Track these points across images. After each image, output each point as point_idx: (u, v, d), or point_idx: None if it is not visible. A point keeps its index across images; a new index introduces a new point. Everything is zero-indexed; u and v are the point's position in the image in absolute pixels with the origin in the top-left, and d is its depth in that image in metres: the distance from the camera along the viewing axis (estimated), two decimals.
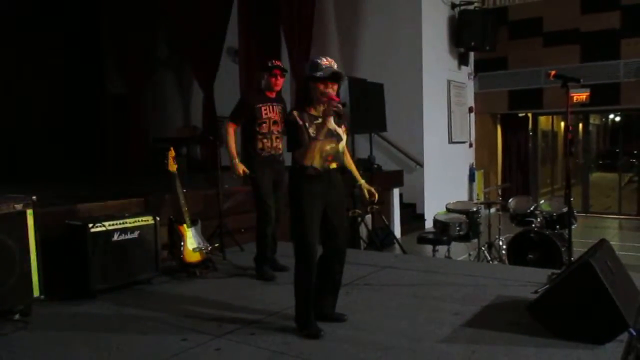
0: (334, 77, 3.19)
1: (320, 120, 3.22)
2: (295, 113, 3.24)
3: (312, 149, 3.16)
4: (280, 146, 4.66)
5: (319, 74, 3.18)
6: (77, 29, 10.62)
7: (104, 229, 4.19)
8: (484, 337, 3.18)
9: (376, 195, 3.66)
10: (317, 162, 3.22)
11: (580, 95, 9.71)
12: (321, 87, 3.19)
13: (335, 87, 3.22)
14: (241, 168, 4.57)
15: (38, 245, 3.71)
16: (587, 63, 9.94)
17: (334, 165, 3.30)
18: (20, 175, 8.66)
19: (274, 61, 4.66)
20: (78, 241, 4.11)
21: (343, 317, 3.48)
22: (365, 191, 3.63)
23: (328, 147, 3.24)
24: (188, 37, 10.65)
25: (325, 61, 3.22)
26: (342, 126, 3.37)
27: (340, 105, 3.16)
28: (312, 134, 3.18)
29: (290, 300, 3.77)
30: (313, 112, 3.26)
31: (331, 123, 3.26)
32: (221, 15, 10.40)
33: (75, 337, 3.37)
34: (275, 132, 4.59)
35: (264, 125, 4.54)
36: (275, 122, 4.58)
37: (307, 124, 3.20)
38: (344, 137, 3.38)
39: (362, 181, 3.65)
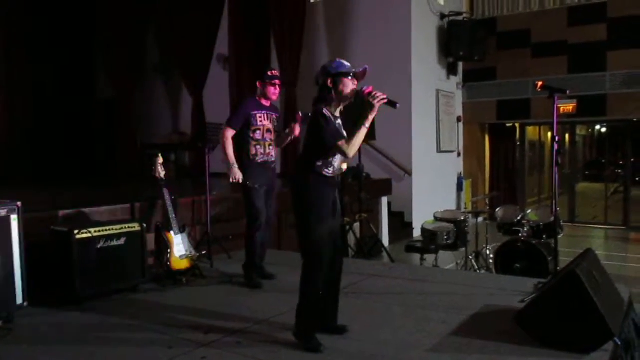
0: (364, 73, 3.21)
1: (338, 120, 3.21)
2: (325, 109, 3.17)
3: (360, 140, 3.11)
4: (273, 153, 4.68)
5: (347, 70, 3.17)
6: (68, 34, 10.58)
7: (89, 235, 4.15)
8: (471, 346, 3.18)
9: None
10: (337, 163, 3.20)
11: (567, 106, 9.82)
12: (350, 83, 3.18)
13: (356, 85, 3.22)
14: (239, 175, 4.54)
15: (22, 251, 3.67)
16: (574, 74, 10.06)
17: (345, 167, 3.33)
18: (5, 180, 8.58)
19: (272, 71, 4.69)
20: (63, 248, 4.06)
21: (345, 329, 3.39)
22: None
23: None
24: (178, 43, 10.67)
25: (345, 61, 3.24)
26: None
27: (385, 96, 3.13)
28: None
29: (278, 308, 3.77)
30: (332, 111, 3.22)
31: (341, 124, 3.25)
32: (211, 22, 10.42)
33: (60, 346, 3.32)
34: (269, 140, 4.61)
35: (258, 132, 4.55)
36: (269, 130, 4.60)
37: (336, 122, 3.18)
38: None
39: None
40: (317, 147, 3.18)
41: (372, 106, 3.10)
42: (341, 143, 3.10)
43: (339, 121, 3.24)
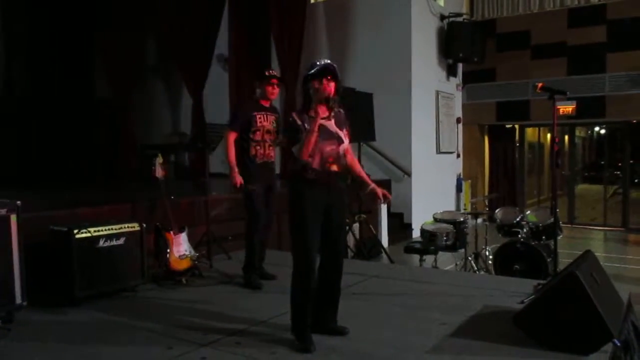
0: (324, 71, 3.18)
1: (321, 121, 3.20)
2: (294, 114, 3.23)
3: (308, 142, 3.10)
4: (273, 154, 4.69)
5: (314, 71, 3.20)
6: (66, 33, 10.57)
7: (89, 235, 4.15)
8: (471, 347, 3.19)
9: (390, 197, 3.52)
10: (317, 164, 3.18)
11: (566, 108, 9.82)
12: (316, 84, 3.18)
13: (332, 84, 3.20)
14: (239, 180, 4.54)
15: (22, 251, 3.66)
16: (573, 76, 10.08)
17: (334, 168, 3.26)
18: (5, 179, 8.56)
19: (270, 71, 4.71)
20: (63, 247, 4.06)
21: (345, 330, 3.39)
22: (380, 193, 3.41)
23: (328, 149, 3.21)
24: (178, 43, 10.64)
25: (321, 61, 3.24)
26: (344, 129, 3.33)
27: (329, 95, 3.13)
28: None
29: (277, 309, 3.77)
30: (313, 114, 3.21)
31: (332, 125, 3.25)
32: (212, 22, 10.41)
33: (59, 346, 3.32)
34: (268, 141, 4.62)
35: (257, 132, 4.56)
36: (268, 131, 4.61)
37: (306, 125, 3.18)
38: (346, 140, 3.33)
39: (373, 184, 3.46)
40: (293, 153, 3.25)
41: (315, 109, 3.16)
42: (294, 148, 3.17)
43: (323, 121, 3.21)
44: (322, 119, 3.22)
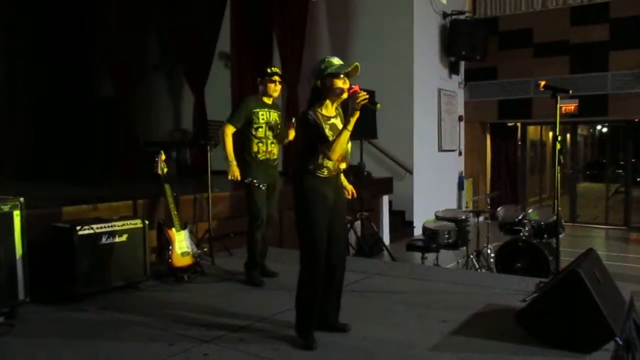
0: (355, 69, 3.15)
1: (332, 120, 3.20)
2: (312, 112, 3.16)
3: (343, 142, 3.05)
4: (275, 151, 4.68)
5: (333, 69, 3.14)
6: (67, 30, 10.58)
7: (91, 231, 4.15)
8: (472, 345, 3.19)
9: (354, 194, 3.62)
10: (330, 163, 3.18)
11: (568, 106, 9.80)
12: (340, 82, 3.15)
13: (348, 83, 3.19)
14: (237, 172, 4.56)
15: (24, 247, 3.67)
16: (576, 74, 10.06)
17: (343, 166, 3.27)
18: (8, 176, 8.59)
19: (273, 68, 4.70)
20: (65, 244, 4.07)
21: (347, 328, 3.39)
22: (350, 189, 3.56)
23: None
24: (180, 40, 10.65)
25: (334, 59, 3.20)
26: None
27: (367, 95, 3.04)
28: (328, 134, 3.13)
29: (279, 306, 3.78)
30: (324, 112, 3.21)
31: (339, 123, 3.24)
32: (213, 20, 10.41)
33: (61, 342, 3.33)
34: (271, 137, 4.62)
35: (260, 129, 4.56)
36: (271, 128, 4.60)
37: (322, 124, 3.16)
38: None
39: (345, 181, 3.56)
40: (306, 151, 3.20)
41: (354, 108, 3.05)
42: (323, 147, 3.10)
43: (333, 120, 3.22)
44: (331, 117, 3.23)
